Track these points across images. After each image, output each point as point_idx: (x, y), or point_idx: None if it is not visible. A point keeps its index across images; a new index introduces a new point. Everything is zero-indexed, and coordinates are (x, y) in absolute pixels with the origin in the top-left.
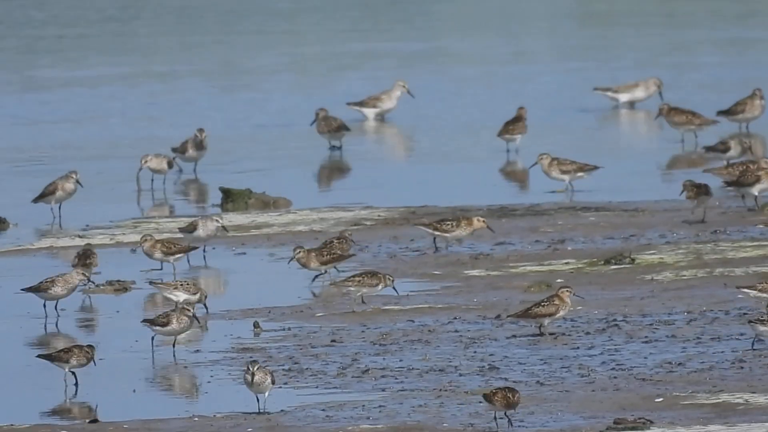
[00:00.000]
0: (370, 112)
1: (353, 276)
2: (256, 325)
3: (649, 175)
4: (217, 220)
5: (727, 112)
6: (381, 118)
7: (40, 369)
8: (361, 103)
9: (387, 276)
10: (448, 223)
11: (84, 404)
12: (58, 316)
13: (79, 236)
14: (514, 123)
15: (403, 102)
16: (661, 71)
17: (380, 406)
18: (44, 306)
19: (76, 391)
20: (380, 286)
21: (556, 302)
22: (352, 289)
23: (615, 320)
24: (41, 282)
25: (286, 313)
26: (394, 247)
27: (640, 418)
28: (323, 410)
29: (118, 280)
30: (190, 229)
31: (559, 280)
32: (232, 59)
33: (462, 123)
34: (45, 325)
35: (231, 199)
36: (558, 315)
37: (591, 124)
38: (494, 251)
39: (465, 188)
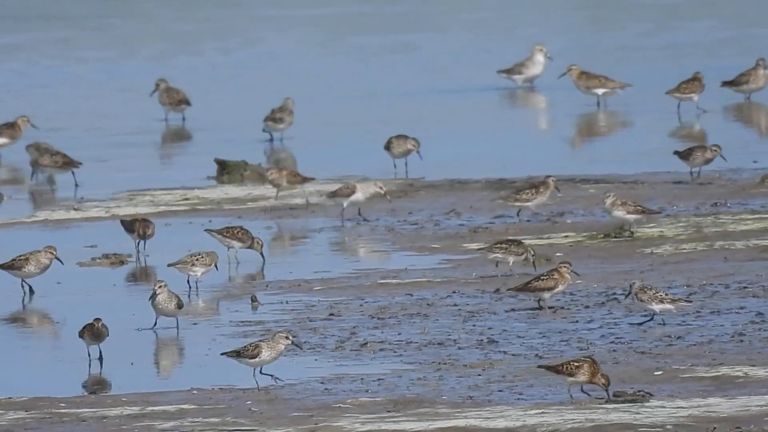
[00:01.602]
0: (518, 79)
1: (499, 243)
2: (253, 299)
3: (649, 147)
4: (379, 186)
5: (731, 83)
6: (531, 85)
7: (38, 342)
8: (509, 71)
9: (530, 247)
10: (527, 192)
11: (82, 378)
12: (76, 295)
13: (74, 209)
14: (689, 82)
15: (410, 79)
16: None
17: (379, 379)
18: (28, 284)
19: (94, 366)
20: (524, 256)
21: (555, 276)
22: (499, 255)
23: (614, 294)
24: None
25: (284, 287)
26: (392, 219)
27: (639, 391)
28: (322, 383)
29: (115, 254)
30: (347, 192)
31: (558, 254)
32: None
33: (459, 96)
34: (30, 299)
35: (226, 170)
36: (556, 289)
37: (591, 100)
38: (493, 224)
39: (464, 160)
